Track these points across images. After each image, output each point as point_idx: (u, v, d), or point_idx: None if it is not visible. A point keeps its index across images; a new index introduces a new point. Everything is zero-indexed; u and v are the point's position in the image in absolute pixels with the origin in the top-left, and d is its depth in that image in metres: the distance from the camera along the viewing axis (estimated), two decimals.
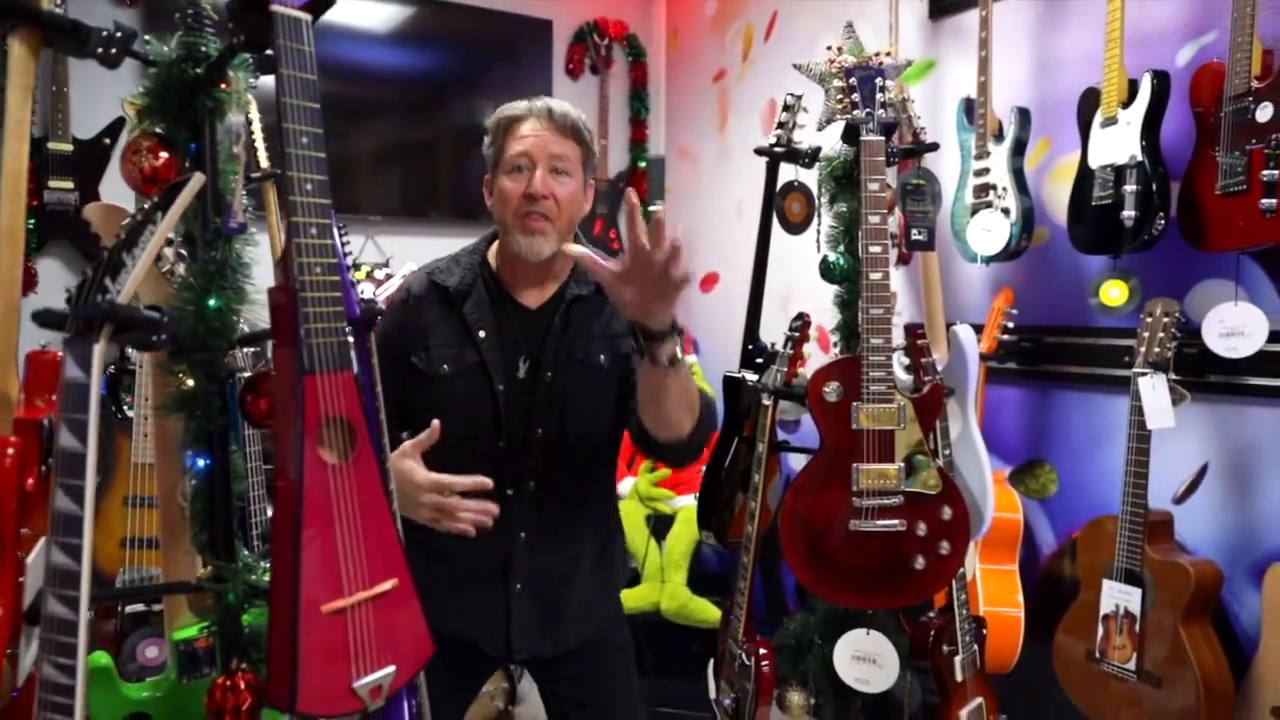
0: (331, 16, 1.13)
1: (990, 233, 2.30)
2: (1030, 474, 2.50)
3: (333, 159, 1.01)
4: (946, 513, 1.61)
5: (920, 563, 1.60)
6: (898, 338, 1.70)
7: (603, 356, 1.64)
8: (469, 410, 1.60)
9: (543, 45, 3.75)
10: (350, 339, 1.03)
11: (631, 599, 2.97)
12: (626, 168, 3.95)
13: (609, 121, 3.89)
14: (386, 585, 1.02)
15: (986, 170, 2.34)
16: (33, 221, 2.80)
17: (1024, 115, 2.32)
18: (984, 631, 1.87)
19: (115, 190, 2.88)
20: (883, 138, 1.64)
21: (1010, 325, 2.36)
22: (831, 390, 1.61)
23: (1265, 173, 1.79)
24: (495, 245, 1.69)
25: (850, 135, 1.72)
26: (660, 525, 3.14)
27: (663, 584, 3.00)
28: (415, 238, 3.47)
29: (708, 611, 2.90)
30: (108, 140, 2.95)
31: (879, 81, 1.69)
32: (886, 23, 2.80)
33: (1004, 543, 2.33)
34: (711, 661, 2.02)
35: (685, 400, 1.49)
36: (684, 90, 3.92)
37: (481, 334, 1.60)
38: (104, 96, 2.87)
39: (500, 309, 1.63)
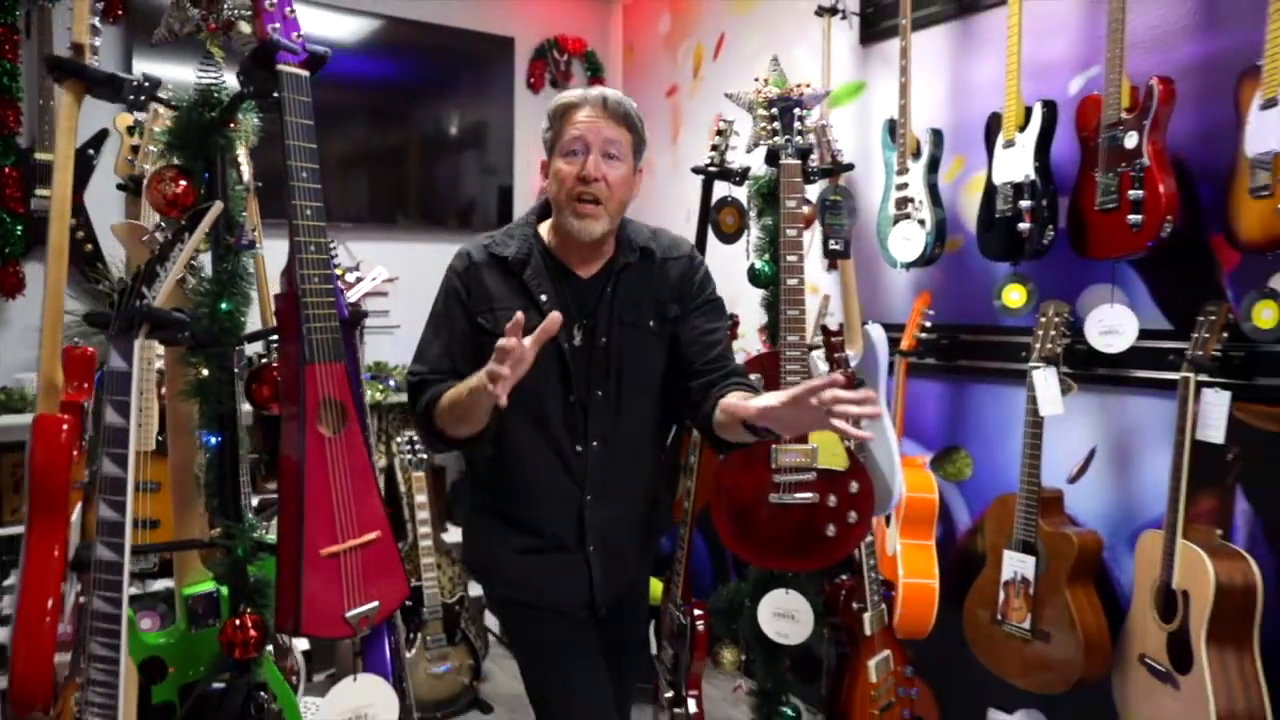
0: (301, 26, 1.34)
1: (909, 241, 2.58)
2: (948, 459, 2.79)
3: None
4: (854, 486, 1.88)
5: (832, 530, 1.87)
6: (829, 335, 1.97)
7: (651, 321, 1.72)
8: (539, 370, 1.58)
9: (505, 60, 4.00)
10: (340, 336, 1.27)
11: None
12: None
13: None
14: (371, 535, 1.27)
15: (906, 185, 2.62)
16: (20, 228, 2.98)
17: (937, 136, 2.61)
18: (892, 593, 2.14)
19: (97, 197, 3.08)
20: (799, 161, 1.91)
21: (928, 324, 2.65)
22: (755, 380, 1.88)
23: (1132, 192, 2.09)
24: (548, 221, 1.75)
25: (772, 158, 1.99)
26: None
27: None
28: (384, 243, 3.70)
29: (658, 589, 3.16)
30: (91, 151, 3.15)
31: (798, 111, 1.97)
32: (821, 48, 3.08)
33: (922, 521, 2.61)
34: (653, 622, 2.27)
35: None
36: (639, 104, 4.15)
37: (543, 297, 1.66)
38: (88, 110, 3.05)
39: (556, 278, 1.70)
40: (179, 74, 2.33)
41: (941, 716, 2.73)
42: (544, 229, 1.76)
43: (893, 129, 2.70)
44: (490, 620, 3.80)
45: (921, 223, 2.57)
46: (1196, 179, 2.18)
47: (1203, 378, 2.04)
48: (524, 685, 1.73)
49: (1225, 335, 2.04)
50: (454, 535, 3.71)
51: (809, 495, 1.87)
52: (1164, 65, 2.20)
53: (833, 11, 2.89)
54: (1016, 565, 2.32)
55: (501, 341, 1.32)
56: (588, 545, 1.70)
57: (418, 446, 3.23)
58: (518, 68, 4.03)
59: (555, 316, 1.36)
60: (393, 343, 3.65)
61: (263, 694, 1.43)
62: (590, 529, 1.70)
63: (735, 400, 1.55)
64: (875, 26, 2.98)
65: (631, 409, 1.72)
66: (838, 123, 3.07)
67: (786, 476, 1.87)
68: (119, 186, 2.44)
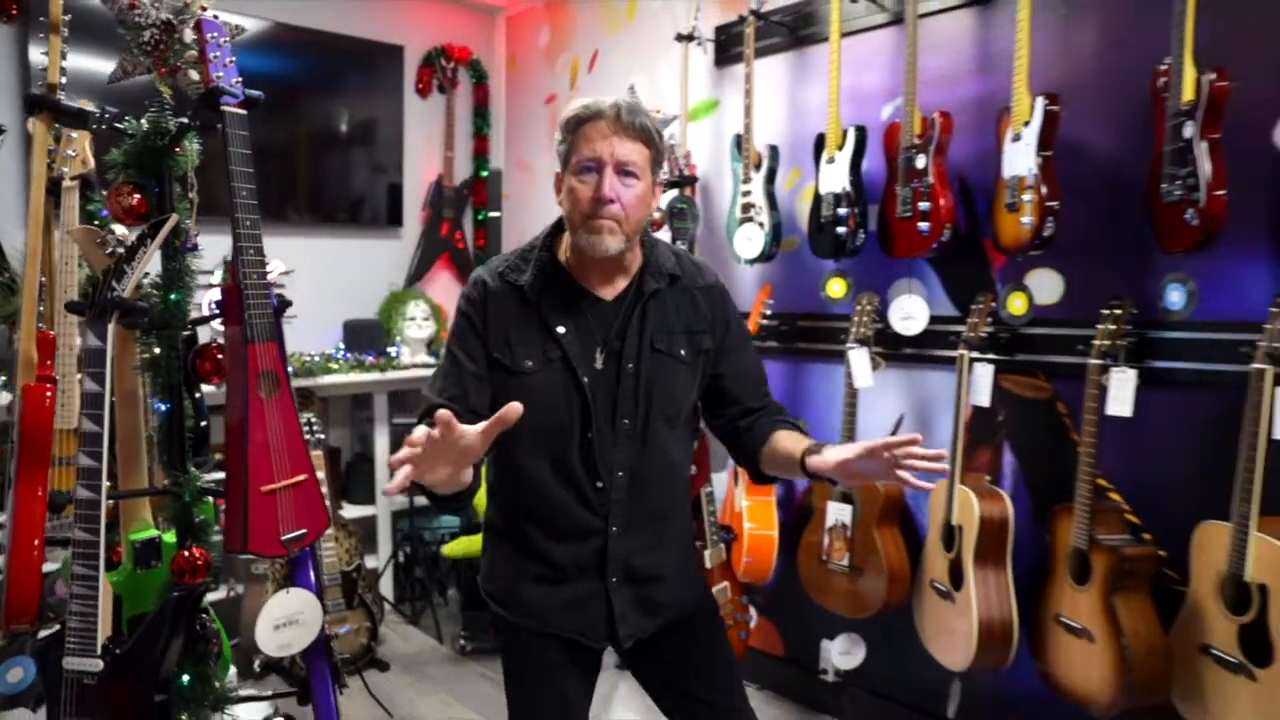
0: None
1: (750, 241, 3.05)
2: None
3: None
4: (693, 444, 2.32)
5: None
6: None
7: (683, 350, 1.67)
8: (557, 403, 1.59)
9: (395, 66, 4.30)
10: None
11: (465, 547, 3.63)
12: (470, 176, 4.56)
13: (455, 135, 4.49)
14: (300, 477, 1.64)
15: (749, 193, 3.09)
16: None
17: (774, 151, 3.09)
18: (732, 537, 2.60)
19: None
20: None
21: (769, 312, 3.12)
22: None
23: (921, 204, 2.60)
24: (564, 239, 1.68)
25: None
26: None
27: None
28: (275, 238, 3.94)
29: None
30: None
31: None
32: (681, 68, 3.52)
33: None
34: None
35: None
36: (521, 110, 4.56)
37: (560, 329, 1.60)
38: None
39: (575, 302, 1.63)
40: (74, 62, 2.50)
41: (785, 649, 3.24)
42: (560, 248, 1.69)
43: (739, 143, 3.16)
44: (386, 588, 4.13)
45: (761, 225, 3.04)
46: (974, 193, 2.70)
47: (974, 354, 2.56)
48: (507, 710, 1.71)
49: (990, 320, 2.57)
50: (350, 511, 4.03)
51: None
52: (949, 100, 2.71)
53: (689, 38, 3.33)
54: (837, 513, 2.82)
55: (414, 435, 1.24)
56: (609, 577, 1.65)
57: (314, 427, 3.53)
58: (407, 74, 4.35)
59: (514, 408, 1.25)
60: (291, 332, 3.92)
61: (205, 615, 1.76)
62: (612, 561, 1.65)
63: (790, 444, 1.60)
64: (727, 51, 3.44)
65: (658, 438, 1.65)
66: (696, 135, 3.53)
67: None
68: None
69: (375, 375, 3.99)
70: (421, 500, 4.09)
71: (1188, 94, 2.12)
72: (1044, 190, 2.35)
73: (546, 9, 4.35)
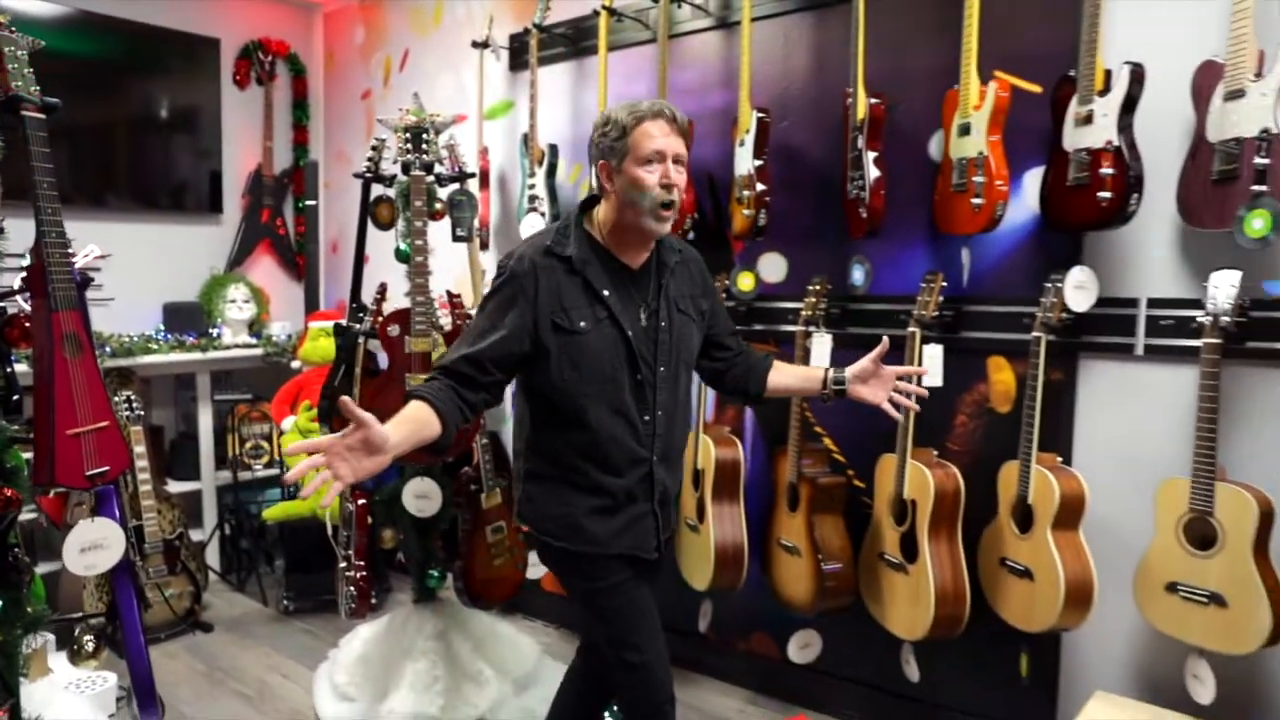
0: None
1: (534, 228, 3.49)
2: None
3: None
4: None
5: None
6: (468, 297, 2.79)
7: (693, 311, 2.04)
8: (609, 355, 1.90)
9: (212, 57, 4.52)
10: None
11: (284, 510, 3.96)
12: (290, 165, 4.83)
13: (274, 126, 4.75)
14: (103, 423, 1.97)
15: (534, 185, 3.52)
16: None
17: (554, 148, 3.54)
18: (508, 483, 3.04)
19: None
20: (423, 173, 2.73)
21: None
22: (393, 330, 2.69)
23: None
24: (598, 219, 1.96)
25: (405, 170, 2.80)
26: None
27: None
28: (94, 223, 4.09)
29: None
30: None
31: (427, 135, 2.78)
32: (479, 72, 3.92)
33: None
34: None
35: None
36: (339, 103, 4.86)
37: (606, 293, 1.89)
38: None
39: (613, 271, 1.93)
40: None
41: None
42: (593, 227, 1.96)
43: (525, 141, 3.59)
44: (214, 560, 4.38)
45: (543, 215, 3.48)
46: (721, 190, 3.21)
47: None
48: (595, 624, 2.04)
49: (726, 296, 3.09)
50: (174, 487, 4.26)
51: None
52: (700, 108, 3.22)
53: (484, 45, 3.73)
54: None
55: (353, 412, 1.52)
56: (654, 500, 1.99)
57: (134, 404, 3.76)
58: (224, 65, 4.58)
59: (369, 422, 1.55)
60: (108, 315, 4.11)
61: (17, 549, 2.06)
62: (656, 486, 1.98)
63: (801, 370, 2.27)
64: (520, 58, 3.86)
65: (681, 382, 2.02)
66: (494, 132, 3.94)
67: None
68: None
69: (197, 355, 4.23)
70: (245, 475, 4.38)
71: (860, 114, 2.67)
72: (760, 187, 2.88)
73: (361, 8, 4.67)
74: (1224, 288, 2.13)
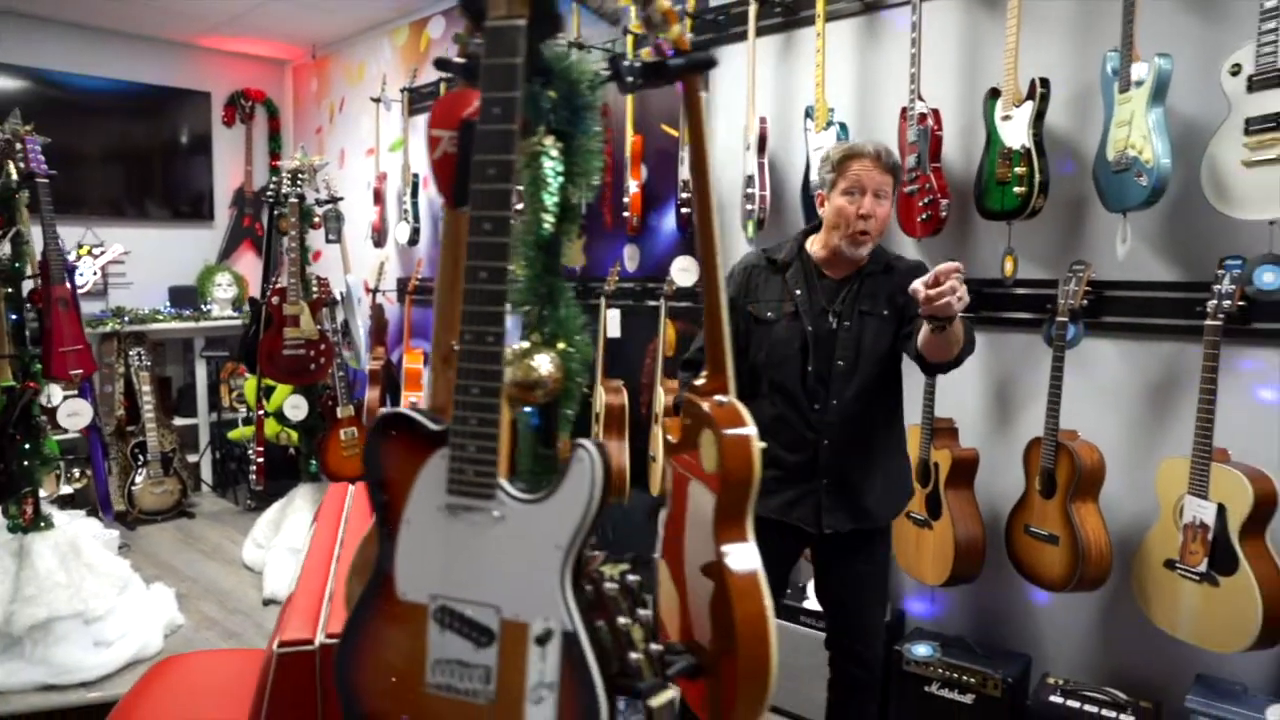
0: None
1: (403, 234, 5.07)
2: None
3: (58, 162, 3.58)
4: (322, 346, 4.35)
5: (313, 366, 4.33)
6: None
7: (885, 310, 2.16)
8: (788, 345, 2.16)
9: (205, 105, 6.24)
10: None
11: (240, 433, 5.61)
12: (265, 184, 6.49)
13: (254, 154, 6.44)
14: (79, 346, 3.61)
15: (406, 202, 5.10)
16: None
17: (416, 176, 5.12)
18: (361, 396, 4.65)
19: None
20: (297, 200, 4.34)
21: (421, 277, 5.14)
22: (276, 299, 4.31)
23: None
24: (816, 238, 2.23)
25: (287, 198, 4.42)
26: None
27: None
28: (118, 229, 5.83)
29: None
30: None
31: (303, 174, 4.39)
32: (387, 114, 5.49)
33: (411, 379, 5.13)
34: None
35: (953, 343, 1.97)
36: (301, 136, 6.55)
37: (797, 291, 2.15)
38: None
39: (810, 277, 2.19)
40: None
41: None
42: (812, 244, 2.25)
43: (404, 169, 5.17)
44: (206, 470, 6.09)
45: (409, 223, 5.07)
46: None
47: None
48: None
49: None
50: (179, 421, 5.98)
51: (301, 352, 4.32)
52: None
53: (377, 101, 5.34)
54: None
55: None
56: (821, 479, 2.16)
57: (143, 357, 5.48)
58: (215, 110, 6.29)
59: None
60: (129, 293, 5.86)
61: (36, 418, 3.71)
62: (824, 467, 2.15)
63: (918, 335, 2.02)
64: (414, 105, 5.43)
65: (863, 376, 2.15)
66: (391, 161, 5.51)
67: (290, 343, 4.30)
68: None
69: (192, 324, 5.95)
70: (229, 415, 6.08)
71: None
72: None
73: (315, 64, 6.33)
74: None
